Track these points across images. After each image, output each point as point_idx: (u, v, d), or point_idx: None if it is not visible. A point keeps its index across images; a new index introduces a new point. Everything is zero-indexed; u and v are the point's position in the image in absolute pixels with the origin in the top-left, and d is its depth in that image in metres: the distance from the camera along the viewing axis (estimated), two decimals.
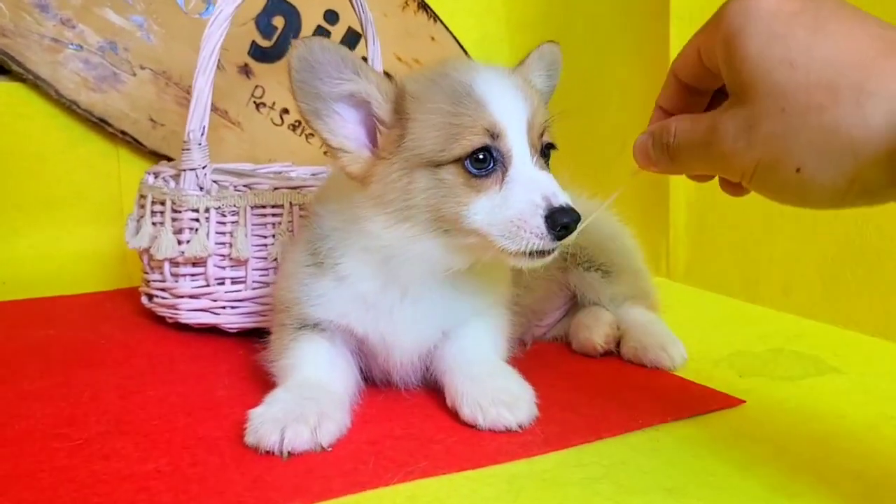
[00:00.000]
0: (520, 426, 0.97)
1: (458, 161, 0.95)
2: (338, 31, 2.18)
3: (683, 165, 0.76)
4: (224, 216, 1.34)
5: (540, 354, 1.30)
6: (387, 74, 1.10)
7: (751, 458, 0.90)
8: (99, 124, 1.97)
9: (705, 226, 1.80)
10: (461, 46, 2.34)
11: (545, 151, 1.02)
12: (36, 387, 1.16)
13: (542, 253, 0.95)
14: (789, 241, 1.56)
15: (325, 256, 1.07)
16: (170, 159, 2.01)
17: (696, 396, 1.10)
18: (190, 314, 1.39)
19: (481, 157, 0.95)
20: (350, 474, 0.86)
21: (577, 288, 1.34)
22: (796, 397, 1.10)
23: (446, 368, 1.06)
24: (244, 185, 1.34)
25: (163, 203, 1.38)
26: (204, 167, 1.35)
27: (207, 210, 1.33)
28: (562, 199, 0.93)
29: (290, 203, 1.33)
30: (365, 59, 1.98)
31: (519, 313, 1.24)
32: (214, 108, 2.04)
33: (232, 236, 1.33)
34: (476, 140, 0.94)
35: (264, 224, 1.34)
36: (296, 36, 2.12)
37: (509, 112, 0.96)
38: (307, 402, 0.96)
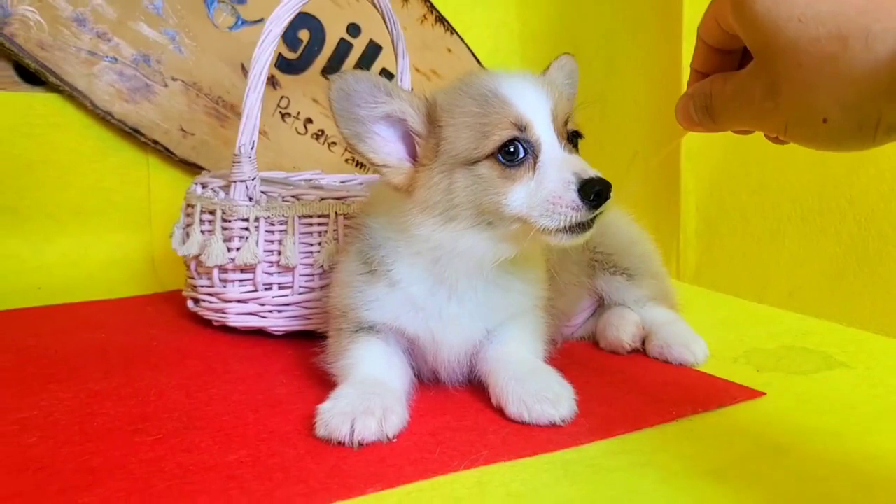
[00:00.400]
0: (563, 421, 1.05)
1: (492, 156, 1.04)
2: (360, 43, 2.26)
3: (724, 124, 0.78)
4: (273, 225, 1.42)
5: (571, 353, 1.39)
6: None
7: (776, 445, 1.00)
8: (131, 134, 2.04)
9: (714, 230, 1.90)
10: (476, 58, 2.43)
11: (572, 139, 1.11)
12: (102, 387, 1.24)
13: (581, 227, 1.02)
14: (795, 244, 1.66)
15: (378, 264, 1.16)
16: (200, 168, 2.09)
17: (720, 390, 1.19)
18: (238, 318, 1.47)
19: (511, 149, 1.04)
20: (419, 462, 0.95)
21: (604, 291, 1.44)
22: (810, 390, 1.20)
23: (490, 369, 1.15)
24: (292, 196, 1.42)
25: (212, 212, 1.46)
26: (253, 179, 1.43)
27: (257, 220, 1.42)
28: (591, 171, 1.01)
29: (336, 213, 1.41)
30: (389, 73, 2.07)
31: (552, 315, 1.33)
32: None
33: (280, 244, 1.42)
34: (505, 133, 1.03)
35: (311, 233, 1.42)
36: (320, 48, 2.20)
37: (533, 105, 1.05)
38: (371, 397, 1.04)
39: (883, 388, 1.21)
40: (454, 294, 1.15)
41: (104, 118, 2.01)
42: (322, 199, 1.42)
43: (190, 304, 1.58)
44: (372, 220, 1.20)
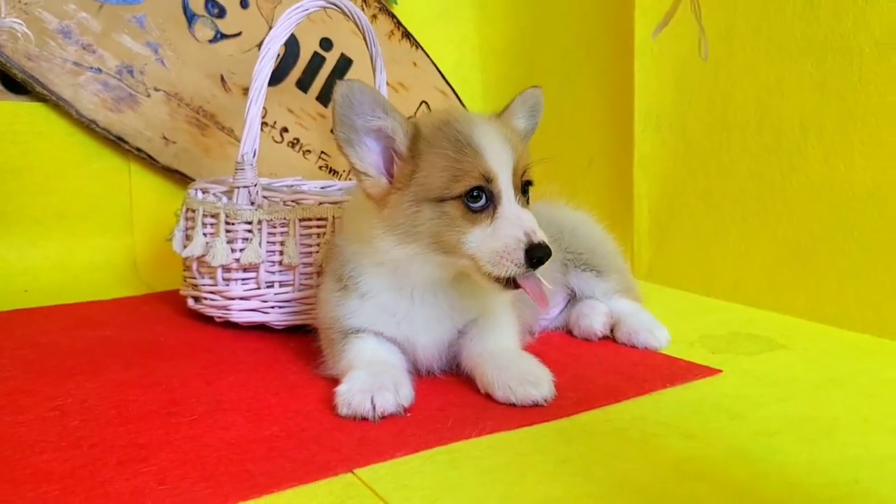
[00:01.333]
0: (544, 399, 1.19)
1: (459, 198, 1.19)
2: (332, 57, 2.39)
3: None
4: (274, 227, 1.54)
5: (548, 341, 1.55)
6: None
7: (735, 411, 1.18)
8: (113, 141, 2.12)
9: (665, 230, 2.09)
10: (440, 71, 2.58)
11: (525, 188, 1.26)
12: (124, 377, 1.34)
13: (512, 282, 1.18)
14: (738, 242, 1.87)
15: (349, 279, 1.31)
16: (181, 174, 2.18)
17: (683, 368, 1.37)
18: (241, 314, 1.58)
19: (476, 194, 1.19)
20: (435, 432, 1.09)
21: (575, 285, 1.60)
22: (758, 368, 1.39)
23: (475, 363, 1.28)
24: (292, 201, 1.54)
25: (214, 216, 1.57)
26: (255, 185, 1.55)
27: (260, 222, 1.53)
28: (539, 236, 1.17)
29: (333, 216, 1.54)
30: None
31: (529, 307, 1.49)
32: (221, 127, 2.23)
33: (282, 245, 1.54)
34: (473, 182, 1.18)
35: (310, 234, 1.54)
36: (295, 61, 2.32)
37: (499, 160, 1.19)
38: (381, 375, 1.19)
39: (818, 365, 1.41)
40: (417, 300, 1.30)
41: (89, 126, 2.08)
42: (320, 203, 1.54)
43: (190, 302, 1.68)
44: (342, 240, 1.35)
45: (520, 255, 1.15)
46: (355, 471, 0.98)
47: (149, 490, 0.93)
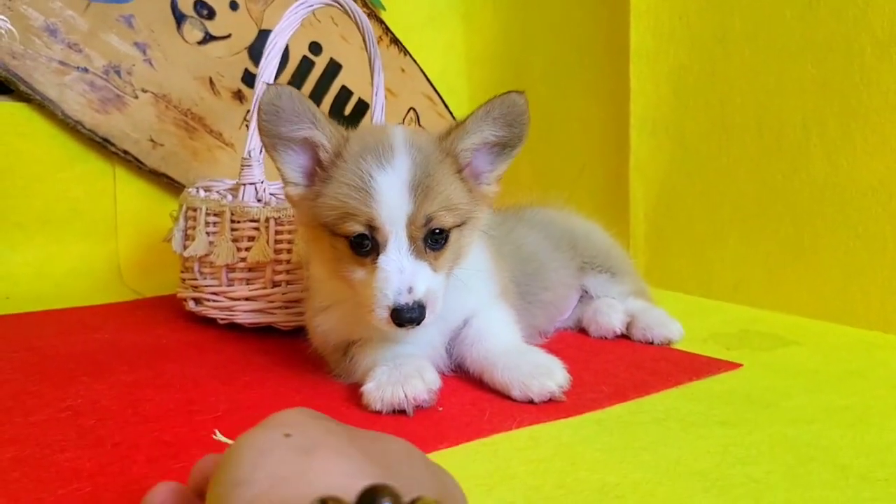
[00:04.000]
0: (560, 388, 1.16)
1: (347, 237, 1.14)
2: (321, 61, 2.36)
3: None
4: (282, 225, 1.50)
5: (564, 339, 1.54)
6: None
7: (765, 401, 1.17)
8: (98, 144, 2.06)
9: (662, 234, 2.10)
10: (427, 77, 2.57)
11: (433, 237, 1.16)
12: (133, 378, 1.28)
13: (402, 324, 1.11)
14: (738, 244, 1.88)
15: (314, 299, 1.30)
16: (168, 178, 2.13)
17: (704, 363, 1.37)
18: (246, 315, 1.53)
19: (360, 240, 1.13)
20: (473, 425, 1.07)
21: (590, 287, 1.60)
22: (777, 361, 1.39)
23: (482, 368, 1.24)
24: None
25: (217, 214, 1.53)
26: (262, 182, 1.51)
27: (267, 220, 1.49)
28: (415, 296, 1.10)
29: None
30: (348, 90, 2.13)
31: (542, 307, 1.48)
32: (209, 131, 2.18)
33: (290, 243, 1.50)
34: (358, 228, 1.13)
35: None
36: (284, 65, 2.28)
37: (390, 208, 1.11)
38: (404, 366, 1.15)
39: (834, 359, 1.41)
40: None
41: (74, 127, 2.02)
42: None
43: (190, 304, 1.62)
44: (309, 268, 1.34)
45: (384, 315, 1.11)
46: None
47: None
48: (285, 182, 1.21)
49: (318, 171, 1.18)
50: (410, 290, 1.10)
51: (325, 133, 1.16)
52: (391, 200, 1.11)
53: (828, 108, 1.66)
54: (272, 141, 1.17)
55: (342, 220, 1.13)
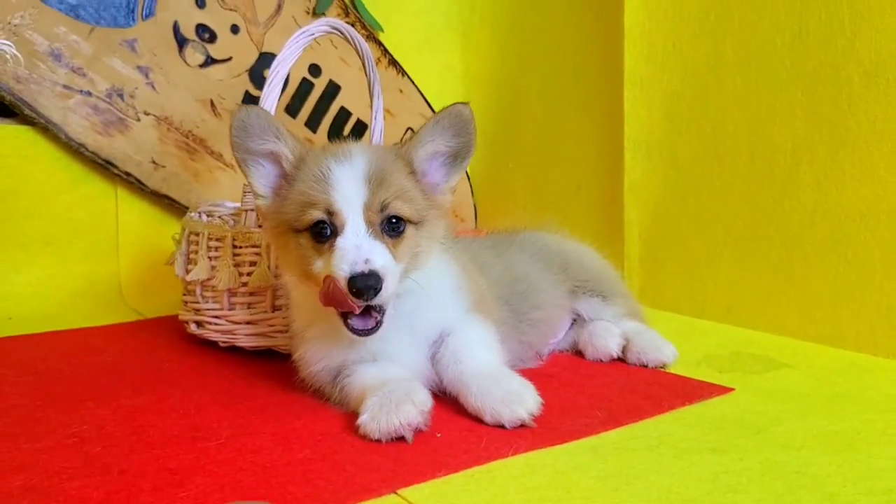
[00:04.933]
0: (531, 415, 1.17)
1: (307, 230, 1.22)
2: (321, 83, 2.40)
3: None
4: None
5: (559, 362, 1.56)
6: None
7: (757, 426, 1.20)
8: (100, 166, 2.09)
9: (656, 255, 2.13)
10: (424, 98, 2.61)
11: (390, 223, 1.22)
12: (136, 403, 1.31)
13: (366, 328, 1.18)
14: (730, 266, 1.92)
15: (295, 322, 1.35)
16: (170, 199, 2.15)
17: (696, 387, 1.39)
18: (247, 338, 1.56)
19: (320, 228, 1.20)
20: (470, 451, 1.09)
21: (583, 310, 1.63)
22: (768, 385, 1.42)
23: (457, 391, 1.26)
24: None
25: (219, 239, 1.56)
26: None
27: (269, 245, 1.52)
28: (371, 265, 1.14)
29: None
30: (347, 111, 2.16)
31: (532, 325, 1.51)
32: (210, 152, 2.21)
33: None
34: (317, 214, 1.20)
35: None
36: (284, 87, 2.31)
37: (346, 193, 1.19)
38: (393, 392, 1.16)
39: (824, 382, 1.44)
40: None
41: (77, 150, 2.05)
42: None
43: (192, 327, 1.65)
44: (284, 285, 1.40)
45: (342, 286, 1.14)
46: (399, 491, 0.97)
47: None
48: (255, 195, 1.29)
49: (283, 183, 1.27)
50: (367, 262, 1.14)
51: (287, 145, 1.27)
52: (347, 189, 1.19)
53: (817, 136, 1.70)
54: (243, 156, 1.27)
55: (303, 212, 1.20)
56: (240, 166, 1.29)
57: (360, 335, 1.20)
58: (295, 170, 1.26)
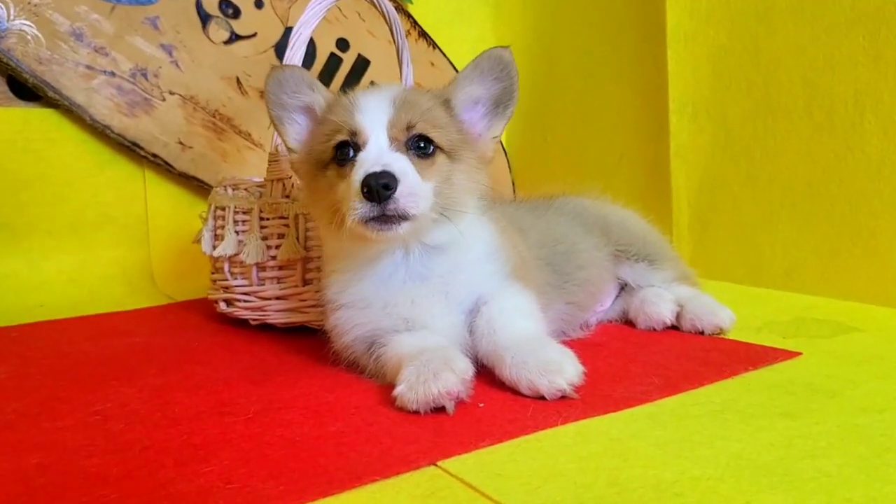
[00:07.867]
0: (571, 385, 1.07)
1: (333, 159, 1.17)
2: (349, 58, 2.32)
3: None
4: (311, 222, 1.45)
5: (608, 332, 1.47)
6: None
7: (829, 390, 1.09)
8: (127, 148, 2.04)
9: (706, 222, 2.02)
10: (457, 71, 2.51)
11: (417, 143, 1.17)
12: (163, 381, 1.25)
13: (384, 220, 1.09)
14: (789, 229, 1.79)
15: (331, 301, 1.26)
16: (198, 181, 2.10)
17: (759, 353, 1.29)
18: (278, 315, 1.49)
19: (343, 150, 1.16)
20: (517, 421, 1.00)
21: (629, 277, 1.53)
22: (838, 349, 1.31)
23: (493, 363, 1.16)
24: None
25: (246, 212, 1.49)
26: (290, 177, 1.46)
27: (297, 216, 1.45)
28: (370, 167, 1.07)
29: None
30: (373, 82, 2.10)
31: (579, 285, 1.41)
32: (238, 131, 2.15)
33: (321, 239, 1.45)
34: (340, 137, 1.16)
35: None
36: (311, 63, 2.25)
37: (371, 115, 1.15)
38: (433, 360, 1.07)
39: None
40: (390, 291, 1.22)
41: (103, 132, 2.00)
42: None
43: (222, 305, 1.58)
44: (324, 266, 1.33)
45: (356, 198, 1.08)
46: (439, 463, 0.89)
47: (216, 490, 0.83)
48: (290, 151, 1.28)
49: (314, 127, 1.26)
50: (384, 165, 1.09)
51: (321, 93, 1.26)
52: (371, 109, 1.16)
53: (882, 82, 1.57)
54: (278, 113, 1.27)
55: (329, 139, 1.17)
56: (274, 125, 1.28)
57: (381, 232, 1.11)
58: (326, 113, 1.23)
